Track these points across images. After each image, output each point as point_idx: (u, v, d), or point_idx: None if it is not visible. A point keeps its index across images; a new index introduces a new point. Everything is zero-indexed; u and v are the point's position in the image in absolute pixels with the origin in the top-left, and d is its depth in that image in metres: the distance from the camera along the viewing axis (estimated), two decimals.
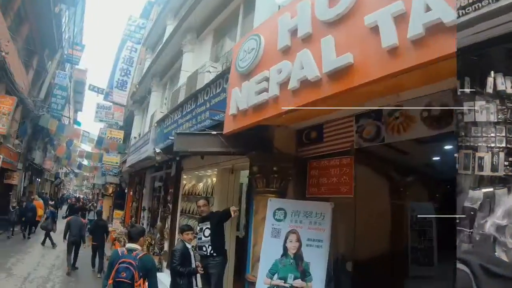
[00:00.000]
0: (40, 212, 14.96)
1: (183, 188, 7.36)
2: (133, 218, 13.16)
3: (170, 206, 7.40)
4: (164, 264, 7.31)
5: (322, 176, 3.99)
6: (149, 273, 3.49)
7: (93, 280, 8.55)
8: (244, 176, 6.91)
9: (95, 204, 18.93)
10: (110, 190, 24.57)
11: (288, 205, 3.88)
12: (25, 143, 16.39)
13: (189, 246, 4.59)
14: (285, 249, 3.72)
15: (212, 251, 4.62)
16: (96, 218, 10.78)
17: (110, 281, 3.35)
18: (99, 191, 32.19)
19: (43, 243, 12.20)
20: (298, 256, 3.66)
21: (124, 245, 10.53)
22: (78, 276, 8.88)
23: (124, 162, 13.80)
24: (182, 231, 4.68)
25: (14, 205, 14.44)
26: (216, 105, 4.57)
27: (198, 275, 4.65)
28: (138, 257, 3.40)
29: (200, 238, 4.77)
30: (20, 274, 7.98)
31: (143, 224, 10.96)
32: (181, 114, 5.90)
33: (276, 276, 3.65)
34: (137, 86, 13.57)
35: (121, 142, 16.82)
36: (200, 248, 4.73)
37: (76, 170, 34.99)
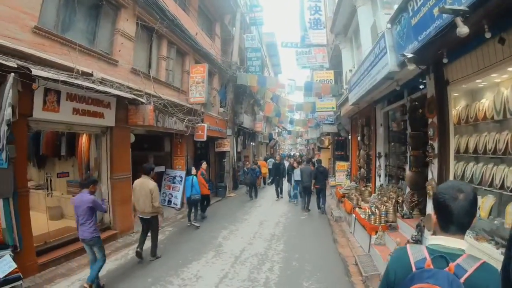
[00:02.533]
0: (264, 170, 18.94)
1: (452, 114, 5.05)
2: (361, 169, 11.78)
3: (435, 144, 5.25)
4: (427, 233, 5.36)
5: None
6: None
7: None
8: None
9: (313, 159, 18.96)
10: (326, 142, 24.57)
11: None
12: (230, 108, 17.68)
13: None
14: None
15: None
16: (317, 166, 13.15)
17: None
18: (314, 145, 33.23)
19: (250, 196, 15.40)
20: None
21: (358, 204, 9.57)
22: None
23: (342, 104, 12.54)
24: None
25: (248, 167, 16.63)
26: None
27: None
28: (463, 277, 1.38)
29: None
30: (231, 252, 7.60)
31: (380, 176, 9.32)
32: None
33: None
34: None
35: (333, 83, 15.62)
36: None
37: (288, 127, 37.27)
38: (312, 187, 12.35)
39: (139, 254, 6.83)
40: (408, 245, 1.61)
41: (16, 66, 5.00)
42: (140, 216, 7.01)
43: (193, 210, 10.21)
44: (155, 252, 7.09)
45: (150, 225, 7.02)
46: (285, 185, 15.52)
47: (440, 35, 3.75)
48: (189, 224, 10.01)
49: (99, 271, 5.46)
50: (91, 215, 5.41)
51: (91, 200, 5.41)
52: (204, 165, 11.25)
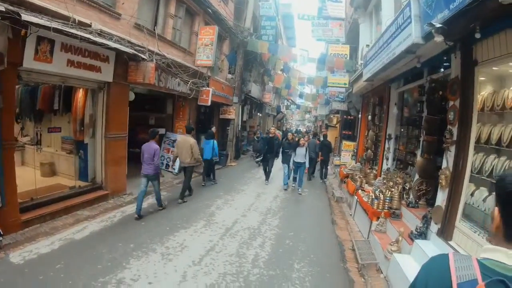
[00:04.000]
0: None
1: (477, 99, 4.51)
2: (368, 151, 11.33)
3: (454, 130, 4.76)
4: (434, 227, 4.97)
5: None
6: None
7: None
8: None
9: (319, 136, 18.56)
10: (335, 121, 24.09)
11: None
12: (239, 75, 17.08)
13: None
14: None
15: None
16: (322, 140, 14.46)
17: None
18: (322, 122, 32.68)
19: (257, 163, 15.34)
20: None
21: (361, 186, 9.17)
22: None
23: (356, 80, 11.96)
24: None
25: (258, 135, 17.27)
26: None
27: None
28: None
29: None
30: (222, 223, 7.33)
31: (387, 159, 8.87)
32: None
33: None
34: None
35: (347, 58, 14.92)
36: None
37: (298, 101, 36.58)
38: (318, 159, 13.63)
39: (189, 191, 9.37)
40: (451, 254, 1.08)
41: (4, 10, 4.55)
42: (182, 165, 9.01)
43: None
44: (183, 196, 8.87)
45: (186, 171, 8.99)
46: (275, 166, 13.19)
47: (476, 2, 3.21)
48: (203, 184, 10.97)
49: (160, 196, 7.91)
50: (154, 159, 7.33)
51: (156, 148, 7.43)
52: (214, 129, 12.21)
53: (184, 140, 8.86)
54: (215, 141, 11.08)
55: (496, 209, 1.09)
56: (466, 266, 1.02)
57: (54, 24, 5.55)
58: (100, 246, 5.60)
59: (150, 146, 7.38)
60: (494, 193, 1.19)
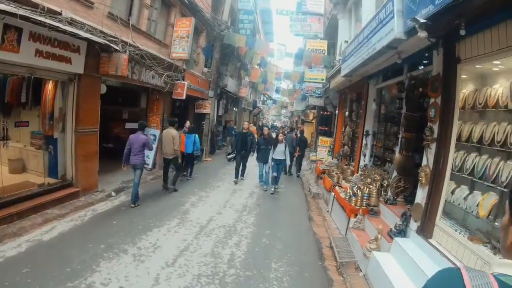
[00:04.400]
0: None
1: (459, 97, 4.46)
2: (345, 147, 11.31)
3: (434, 128, 4.70)
4: (413, 224, 4.92)
5: None
6: None
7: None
8: None
9: (296, 131, 18.52)
10: (311, 116, 24.08)
11: None
12: (215, 69, 16.80)
13: None
14: None
15: None
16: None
17: None
18: (298, 118, 32.69)
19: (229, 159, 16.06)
20: None
21: (338, 182, 9.12)
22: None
23: (333, 76, 11.90)
24: None
25: (236, 130, 16.83)
26: None
27: None
28: None
29: None
30: (197, 221, 7.11)
31: (364, 156, 8.84)
32: None
33: None
34: None
35: (325, 54, 14.87)
36: None
37: (274, 96, 36.45)
38: (295, 153, 13.82)
39: (164, 187, 9.41)
40: (464, 270, 0.90)
41: None
42: (164, 157, 9.38)
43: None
44: (174, 183, 9.52)
45: (173, 163, 9.45)
46: (250, 162, 12.43)
47: None
48: (181, 179, 10.71)
49: (137, 190, 7.86)
50: (143, 149, 7.75)
51: (145, 139, 7.78)
52: (187, 123, 12.10)
53: (167, 133, 9.26)
54: (196, 136, 11.27)
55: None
56: (484, 284, 0.85)
57: (21, 11, 5.19)
58: (69, 247, 5.29)
59: (139, 137, 7.71)
60: (506, 203, 1.03)
